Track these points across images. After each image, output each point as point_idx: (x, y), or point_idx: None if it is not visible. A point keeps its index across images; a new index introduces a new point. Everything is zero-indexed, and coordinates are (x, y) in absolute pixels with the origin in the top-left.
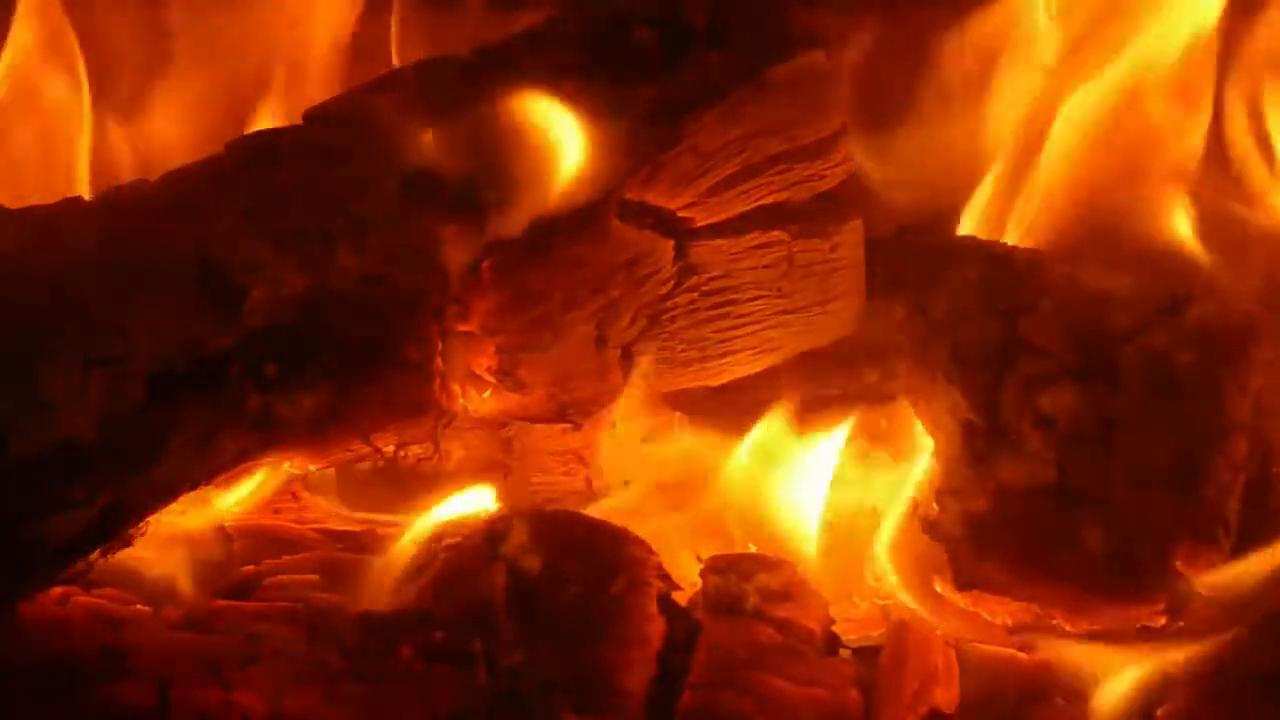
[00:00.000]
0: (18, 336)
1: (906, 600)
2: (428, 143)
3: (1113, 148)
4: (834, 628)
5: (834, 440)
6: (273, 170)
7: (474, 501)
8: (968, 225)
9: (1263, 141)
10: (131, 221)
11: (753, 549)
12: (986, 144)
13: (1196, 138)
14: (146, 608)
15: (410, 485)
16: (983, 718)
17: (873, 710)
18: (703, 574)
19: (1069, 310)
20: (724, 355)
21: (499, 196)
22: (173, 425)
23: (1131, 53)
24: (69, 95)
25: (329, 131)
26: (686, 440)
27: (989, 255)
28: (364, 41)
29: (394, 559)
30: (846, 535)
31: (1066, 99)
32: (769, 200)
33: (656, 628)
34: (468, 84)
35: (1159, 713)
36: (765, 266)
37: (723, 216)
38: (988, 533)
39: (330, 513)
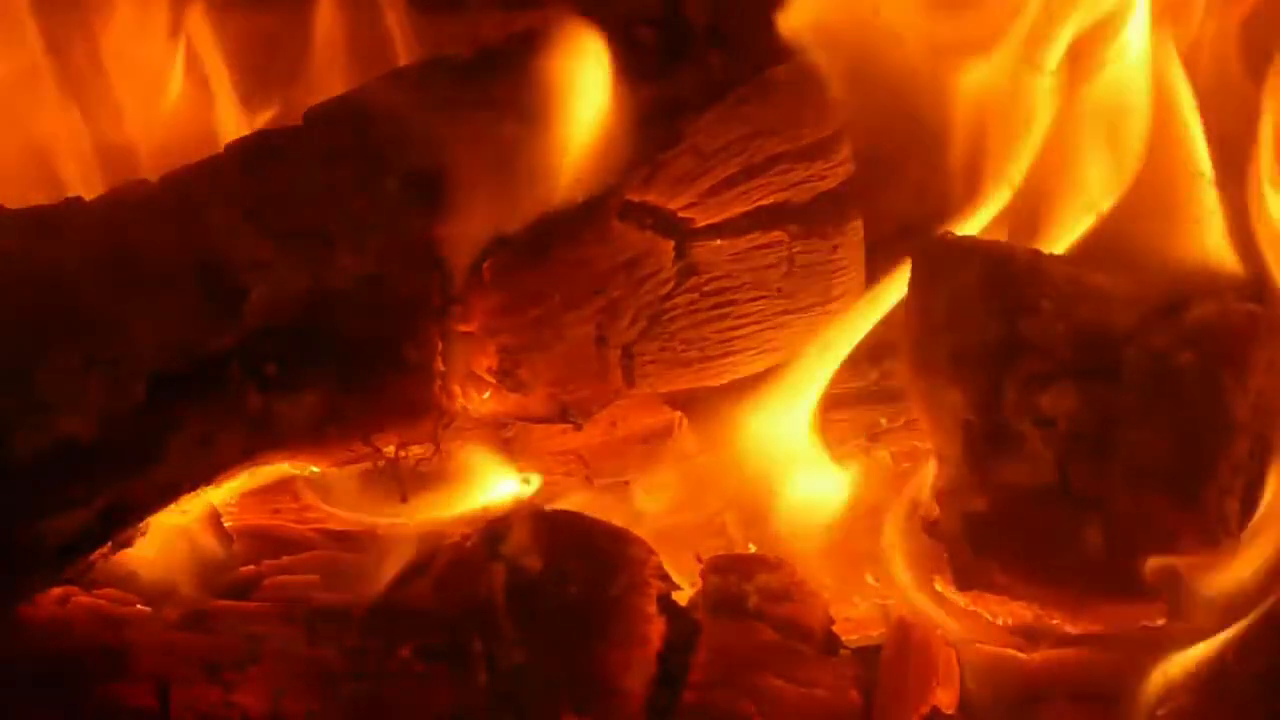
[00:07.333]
0: (17, 336)
1: (907, 600)
2: (428, 143)
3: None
4: (834, 628)
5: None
6: (273, 170)
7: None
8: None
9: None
10: (131, 221)
11: (753, 549)
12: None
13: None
14: (146, 608)
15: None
16: (983, 718)
17: (873, 710)
18: (703, 574)
19: (1069, 310)
20: (724, 355)
21: (499, 196)
22: (173, 425)
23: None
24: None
25: (329, 131)
26: (686, 440)
27: (989, 255)
28: (364, 42)
29: (394, 559)
30: (846, 535)
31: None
32: (769, 200)
33: (656, 628)
34: (468, 84)
35: (1159, 713)
36: (766, 267)
37: (723, 216)
38: (988, 533)
39: (330, 513)
